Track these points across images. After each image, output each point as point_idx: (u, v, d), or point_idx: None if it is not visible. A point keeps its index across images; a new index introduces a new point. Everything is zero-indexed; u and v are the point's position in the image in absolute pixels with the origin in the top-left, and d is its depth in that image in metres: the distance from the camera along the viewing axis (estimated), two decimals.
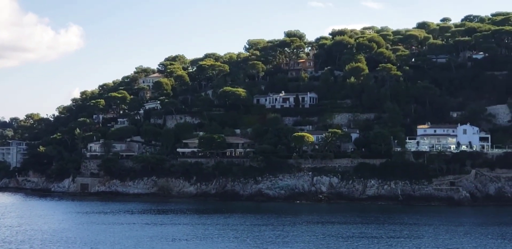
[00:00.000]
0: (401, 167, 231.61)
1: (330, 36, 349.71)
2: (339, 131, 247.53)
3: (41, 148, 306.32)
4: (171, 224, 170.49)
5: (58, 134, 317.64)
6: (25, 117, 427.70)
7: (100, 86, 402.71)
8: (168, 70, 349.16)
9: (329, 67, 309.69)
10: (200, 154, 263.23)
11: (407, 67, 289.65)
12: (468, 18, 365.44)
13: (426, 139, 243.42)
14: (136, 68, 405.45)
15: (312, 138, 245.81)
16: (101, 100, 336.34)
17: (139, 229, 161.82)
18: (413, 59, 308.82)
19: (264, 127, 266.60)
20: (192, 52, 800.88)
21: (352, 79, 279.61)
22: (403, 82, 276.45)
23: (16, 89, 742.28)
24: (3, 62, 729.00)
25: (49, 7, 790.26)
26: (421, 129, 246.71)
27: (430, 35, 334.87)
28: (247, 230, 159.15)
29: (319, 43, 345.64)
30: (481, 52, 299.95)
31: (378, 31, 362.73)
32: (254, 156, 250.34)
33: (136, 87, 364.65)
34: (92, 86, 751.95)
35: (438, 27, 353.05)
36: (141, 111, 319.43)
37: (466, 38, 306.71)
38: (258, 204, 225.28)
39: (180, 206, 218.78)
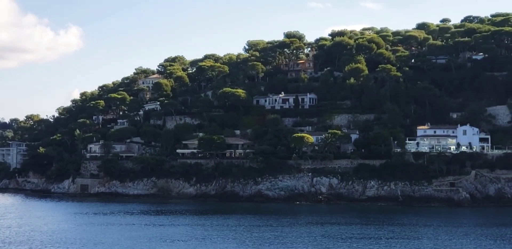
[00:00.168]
0: (401, 167, 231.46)
1: (330, 37, 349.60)
2: (339, 132, 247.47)
3: (41, 149, 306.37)
4: (170, 225, 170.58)
5: (58, 134, 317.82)
6: (25, 118, 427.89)
7: (99, 87, 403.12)
8: (168, 71, 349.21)
9: (328, 68, 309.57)
10: (199, 155, 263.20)
11: (407, 68, 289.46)
12: (467, 19, 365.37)
13: (426, 140, 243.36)
14: (135, 69, 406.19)
15: (311, 138, 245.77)
16: (101, 101, 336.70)
17: (139, 230, 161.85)
18: (412, 60, 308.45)
19: (264, 127, 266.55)
20: (192, 53, 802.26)
21: (352, 80, 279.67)
22: (402, 83, 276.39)
23: (15, 90, 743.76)
24: (3, 63, 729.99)
25: (48, 8, 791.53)
26: (421, 129, 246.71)
27: (430, 36, 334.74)
28: (246, 231, 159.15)
29: (318, 44, 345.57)
30: (481, 53, 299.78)
31: (377, 32, 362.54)
32: (253, 156, 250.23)
33: (135, 88, 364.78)
34: (91, 87, 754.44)
35: (437, 28, 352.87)
36: (141, 112, 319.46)
37: (466, 39, 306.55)
38: (257, 205, 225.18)
39: (179, 207, 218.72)
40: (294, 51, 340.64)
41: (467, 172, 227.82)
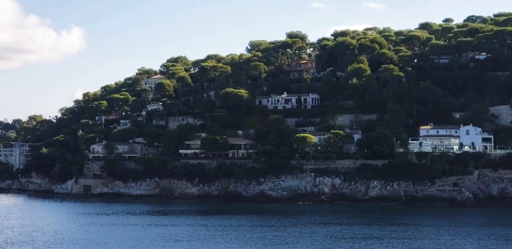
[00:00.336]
0: (403, 167, 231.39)
1: (332, 37, 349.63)
2: (342, 132, 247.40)
3: (44, 150, 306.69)
4: (173, 225, 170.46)
5: (61, 135, 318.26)
6: (28, 119, 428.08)
7: (102, 87, 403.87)
8: (170, 72, 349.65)
9: (331, 68, 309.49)
10: (202, 155, 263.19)
11: (410, 68, 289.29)
12: (470, 19, 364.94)
13: (428, 140, 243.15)
14: (138, 69, 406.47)
15: (314, 139, 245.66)
16: (104, 101, 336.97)
17: (141, 230, 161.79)
18: (415, 60, 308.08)
19: (266, 128, 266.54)
20: (194, 53, 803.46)
21: (354, 80, 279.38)
22: (405, 83, 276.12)
23: (18, 91, 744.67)
24: (5, 64, 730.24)
25: (51, 9, 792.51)
26: (424, 129, 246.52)
27: (433, 36, 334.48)
28: (249, 231, 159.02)
29: (321, 44, 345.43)
30: (484, 53, 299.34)
31: (380, 32, 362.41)
32: (256, 157, 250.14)
33: (138, 88, 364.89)
34: (94, 87, 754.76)
35: (440, 27, 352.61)
36: (143, 112, 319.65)
37: (469, 38, 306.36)
38: (260, 205, 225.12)
39: (182, 207, 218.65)
40: (297, 51, 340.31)
41: (470, 172, 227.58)
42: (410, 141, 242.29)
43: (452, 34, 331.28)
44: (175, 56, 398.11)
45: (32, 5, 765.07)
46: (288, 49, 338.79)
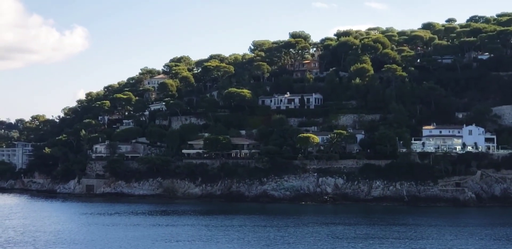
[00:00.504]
0: (406, 168, 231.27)
1: (335, 37, 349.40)
2: (344, 132, 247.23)
3: (47, 149, 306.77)
4: (175, 225, 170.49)
5: (64, 135, 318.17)
6: (31, 118, 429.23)
7: (105, 87, 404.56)
8: (173, 72, 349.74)
9: (334, 68, 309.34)
10: (205, 155, 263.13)
11: (413, 68, 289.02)
12: (473, 19, 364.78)
13: (431, 140, 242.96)
14: (141, 69, 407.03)
15: (317, 139, 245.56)
16: (106, 101, 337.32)
17: (144, 230, 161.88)
18: (418, 60, 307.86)
19: (269, 128, 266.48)
20: (197, 53, 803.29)
21: (357, 80, 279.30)
22: (408, 83, 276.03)
23: (21, 90, 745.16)
24: (8, 63, 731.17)
25: (53, 9, 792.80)
26: (427, 129, 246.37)
27: (436, 36, 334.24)
28: (251, 231, 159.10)
29: (324, 44, 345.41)
30: (487, 53, 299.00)
31: (383, 32, 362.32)
32: (259, 157, 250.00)
33: (141, 88, 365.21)
34: (97, 87, 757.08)
35: (443, 27, 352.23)
36: (146, 112, 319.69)
37: (472, 38, 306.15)
38: (263, 205, 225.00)
39: (185, 207, 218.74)
40: (300, 51, 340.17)
41: (473, 172, 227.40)
42: (413, 141, 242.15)
43: (455, 34, 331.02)
44: (178, 56, 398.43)
45: (35, 5, 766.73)
46: (291, 49, 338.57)
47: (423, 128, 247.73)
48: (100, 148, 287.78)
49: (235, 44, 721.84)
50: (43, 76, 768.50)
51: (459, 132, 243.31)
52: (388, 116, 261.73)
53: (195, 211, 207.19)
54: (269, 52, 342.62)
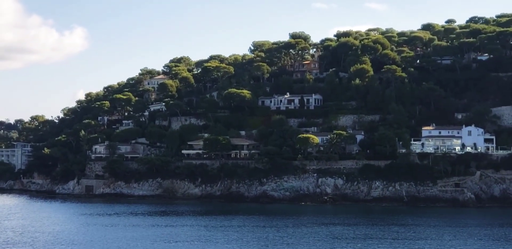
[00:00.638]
0: (406, 168, 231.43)
1: (335, 38, 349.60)
2: (344, 133, 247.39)
3: (46, 150, 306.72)
4: (175, 226, 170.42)
5: (63, 135, 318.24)
6: (30, 119, 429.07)
7: (105, 88, 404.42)
8: (173, 72, 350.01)
9: (334, 68, 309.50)
10: (205, 156, 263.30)
11: (412, 69, 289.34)
12: (473, 20, 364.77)
13: (431, 140, 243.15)
14: (141, 70, 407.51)
15: (317, 139, 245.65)
16: (106, 102, 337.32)
17: (143, 231, 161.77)
18: (418, 61, 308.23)
19: (269, 128, 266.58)
20: (197, 54, 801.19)
21: (357, 80, 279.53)
22: (408, 83, 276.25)
23: (20, 91, 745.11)
24: (8, 64, 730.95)
25: (53, 9, 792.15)
26: (426, 130, 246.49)
27: (435, 37, 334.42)
28: (251, 231, 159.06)
29: (324, 45, 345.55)
30: (486, 54, 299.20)
31: (383, 33, 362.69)
32: (259, 157, 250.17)
33: (141, 89, 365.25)
34: (97, 88, 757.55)
35: (443, 28, 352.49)
36: (146, 113, 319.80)
37: (471, 39, 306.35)
38: (263, 206, 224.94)
39: (184, 208, 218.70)
40: (300, 52, 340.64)
41: (472, 172, 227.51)
42: (412, 142, 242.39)
43: (454, 35, 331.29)
44: (178, 56, 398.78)
45: (34, 5, 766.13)
46: (291, 50, 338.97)
47: (422, 128, 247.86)
48: (100, 149, 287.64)
49: (235, 44, 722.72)
50: (43, 77, 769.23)
51: (458, 133, 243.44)
52: (388, 117, 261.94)
53: (195, 212, 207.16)
54: (269, 52, 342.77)
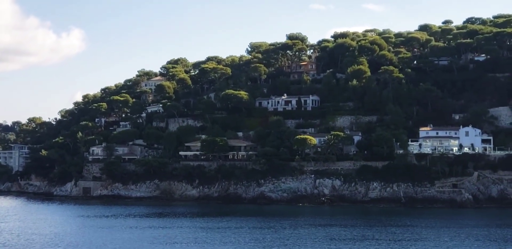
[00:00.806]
0: (403, 169, 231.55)
1: (332, 39, 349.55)
2: (342, 134, 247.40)
3: (43, 152, 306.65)
4: (172, 227, 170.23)
5: (60, 137, 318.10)
6: (27, 121, 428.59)
7: (102, 89, 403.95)
8: (170, 74, 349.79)
9: (331, 69, 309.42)
10: (202, 157, 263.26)
11: (409, 70, 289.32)
12: (470, 20, 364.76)
13: (428, 141, 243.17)
14: (138, 71, 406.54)
15: (314, 140, 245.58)
16: (103, 103, 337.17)
17: (141, 232, 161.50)
18: (415, 62, 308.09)
19: (267, 129, 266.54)
20: (194, 55, 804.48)
21: (354, 81, 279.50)
22: (405, 84, 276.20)
23: (18, 93, 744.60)
24: (5, 65, 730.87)
25: (50, 11, 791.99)
26: (423, 131, 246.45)
27: (432, 38, 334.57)
28: (248, 233, 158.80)
29: (321, 46, 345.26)
30: (483, 54, 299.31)
31: (380, 34, 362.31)
32: (256, 158, 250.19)
33: (138, 90, 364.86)
34: (94, 89, 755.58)
35: (440, 29, 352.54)
36: (143, 114, 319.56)
37: (468, 40, 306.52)
38: (260, 207, 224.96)
39: (182, 209, 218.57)
40: (297, 53, 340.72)
41: (470, 173, 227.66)
42: (409, 142, 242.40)
43: (451, 36, 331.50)
44: (175, 58, 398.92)
45: (32, 7, 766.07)
46: (288, 51, 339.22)
47: (419, 129, 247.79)
48: (97, 150, 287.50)
49: (232, 46, 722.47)
50: (40, 78, 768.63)
51: (455, 133, 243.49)
52: (385, 118, 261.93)
53: (192, 213, 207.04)
54: (266, 54, 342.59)
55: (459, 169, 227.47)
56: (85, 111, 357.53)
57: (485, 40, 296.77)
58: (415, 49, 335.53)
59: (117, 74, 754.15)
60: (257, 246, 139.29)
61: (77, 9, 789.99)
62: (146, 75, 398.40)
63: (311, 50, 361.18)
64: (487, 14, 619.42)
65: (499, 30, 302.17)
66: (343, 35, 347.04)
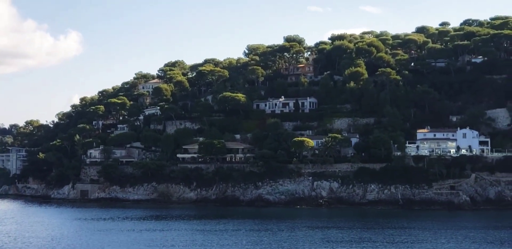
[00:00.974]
0: (401, 171, 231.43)
1: (330, 41, 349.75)
2: (339, 136, 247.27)
3: (41, 155, 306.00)
4: (170, 230, 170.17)
5: (58, 140, 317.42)
6: (25, 124, 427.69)
7: (99, 92, 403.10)
8: (168, 76, 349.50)
9: (328, 72, 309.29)
10: (200, 160, 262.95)
11: (407, 72, 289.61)
12: (467, 22, 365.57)
13: (425, 143, 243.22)
14: (135, 74, 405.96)
15: (312, 142, 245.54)
16: (101, 106, 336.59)
17: (138, 235, 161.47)
18: (412, 64, 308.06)
19: (264, 132, 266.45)
20: (192, 57, 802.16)
21: (352, 84, 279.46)
22: (402, 86, 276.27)
23: (15, 95, 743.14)
24: (3, 68, 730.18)
25: (48, 13, 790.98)
26: (421, 133, 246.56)
27: (429, 40, 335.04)
28: (246, 235, 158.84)
29: (318, 48, 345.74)
30: (480, 56, 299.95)
31: (377, 36, 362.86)
32: (254, 161, 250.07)
33: (135, 93, 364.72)
34: (91, 92, 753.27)
35: (437, 31, 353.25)
36: (141, 117, 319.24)
37: (465, 42, 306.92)
38: (258, 209, 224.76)
39: (179, 212, 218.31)
40: (294, 55, 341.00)
41: (467, 175, 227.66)
42: (407, 144, 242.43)
43: (448, 38, 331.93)
44: (173, 60, 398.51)
45: (29, 10, 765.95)
46: (285, 53, 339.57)
47: (417, 131, 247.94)
48: (95, 153, 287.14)
49: (230, 48, 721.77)
50: (38, 81, 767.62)
51: (453, 135, 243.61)
52: (383, 120, 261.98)
53: (190, 216, 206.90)
54: (263, 56, 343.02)
55: (457, 171, 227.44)
56: (82, 114, 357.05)
57: (482, 42, 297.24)
58: (412, 51, 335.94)
59: (114, 77, 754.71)
60: (255, 248, 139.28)
61: (74, 12, 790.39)
62: (143, 77, 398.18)
63: (309, 53, 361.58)
64: (484, 16, 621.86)
65: (496, 32, 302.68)
66: (341, 37, 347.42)
